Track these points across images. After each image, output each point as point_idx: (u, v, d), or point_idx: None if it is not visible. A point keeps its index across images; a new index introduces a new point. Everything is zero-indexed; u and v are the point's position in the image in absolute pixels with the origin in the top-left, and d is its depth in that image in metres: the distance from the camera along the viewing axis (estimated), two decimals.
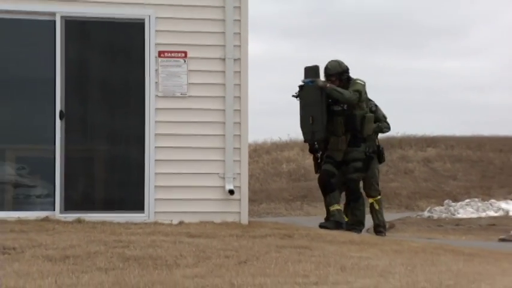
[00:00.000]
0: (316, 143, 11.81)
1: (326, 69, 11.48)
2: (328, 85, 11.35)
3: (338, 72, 11.47)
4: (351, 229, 11.29)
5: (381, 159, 12.11)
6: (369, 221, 12.26)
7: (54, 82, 10.53)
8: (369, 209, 12.18)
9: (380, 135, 12.41)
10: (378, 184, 12.21)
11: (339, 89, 11.37)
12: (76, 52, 10.71)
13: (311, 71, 11.40)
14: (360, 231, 11.49)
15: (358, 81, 11.46)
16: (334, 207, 11.36)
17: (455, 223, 21.65)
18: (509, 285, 6.53)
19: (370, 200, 12.11)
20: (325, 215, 11.75)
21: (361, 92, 11.37)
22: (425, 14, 61.37)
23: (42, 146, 10.72)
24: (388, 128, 12.23)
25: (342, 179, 11.49)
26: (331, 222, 11.26)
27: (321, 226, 11.26)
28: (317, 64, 11.58)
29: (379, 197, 12.06)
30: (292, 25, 56.38)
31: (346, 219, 11.62)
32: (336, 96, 11.33)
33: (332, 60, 11.56)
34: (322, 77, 11.55)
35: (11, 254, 7.52)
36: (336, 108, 11.41)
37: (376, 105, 12.12)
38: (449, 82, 56.57)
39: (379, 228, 12.15)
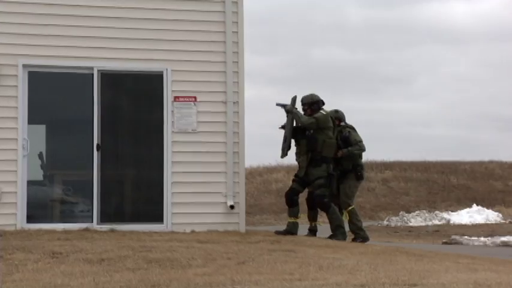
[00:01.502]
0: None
1: (301, 99, 11.29)
2: (293, 110, 11.12)
3: (309, 103, 11.17)
4: (333, 236, 10.86)
5: (358, 177, 11.38)
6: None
7: (92, 121, 10.49)
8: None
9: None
10: (349, 198, 11.30)
11: (300, 114, 11.03)
12: (109, 98, 10.68)
13: (292, 100, 11.19)
14: (341, 234, 10.90)
15: (321, 112, 11.01)
16: (291, 219, 11.12)
17: (408, 230, 21.58)
18: (451, 280, 6.49)
19: (344, 212, 11.32)
20: (305, 225, 11.45)
21: (318, 119, 10.88)
22: (381, 65, 61.67)
23: (83, 171, 10.66)
24: (360, 150, 11.35)
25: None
26: (284, 231, 10.99)
27: (276, 232, 11.02)
28: (296, 95, 11.31)
29: (349, 208, 11.46)
30: (276, 74, 56.65)
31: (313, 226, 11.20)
32: (296, 119, 11.08)
33: (308, 94, 11.34)
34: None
35: (58, 258, 7.47)
36: (306, 132, 11.14)
37: (350, 131, 11.36)
38: (401, 118, 56.80)
39: (355, 233, 11.49)
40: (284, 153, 11.25)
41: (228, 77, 10.83)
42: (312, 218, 11.36)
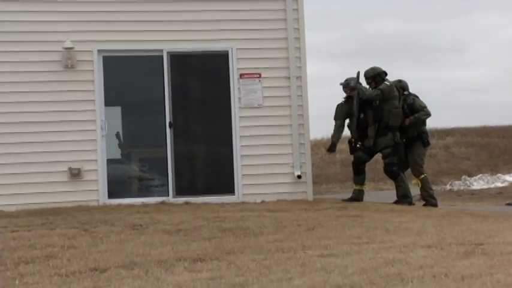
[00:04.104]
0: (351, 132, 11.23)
1: (364, 73, 11.15)
2: (358, 86, 10.97)
3: (372, 76, 11.02)
4: (398, 202, 10.71)
5: (424, 143, 11.12)
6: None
7: (163, 101, 10.59)
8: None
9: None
10: (420, 166, 11.08)
11: (364, 88, 10.90)
12: (178, 78, 10.75)
13: (356, 76, 11.05)
14: (407, 202, 10.70)
15: (385, 83, 10.85)
16: (356, 187, 11.06)
17: (471, 193, 21.20)
18: None
19: (414, 180, 11.14)
20: (368, 192, 11.27)
21: (383, 91, 10.73)
22: (436, 34, 60.25)
23: (157, 148, 10.78)
24: (426, 115, 11.07)
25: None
26: (350, 198, 10.90)
27: (343, 200, 10.91)
28: (359, 70, 11.17)
29: (422, 176, 11.05)
30: (333, 49, 55.96)
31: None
32: (362, 94, 10.95)
33: (370, 67, 11.18)
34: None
35: (139, 230, 7.60)
36: (373, 103, 10.99)
37: (414, 98, 11.11)
38: (459, 86, 55.41)
39: (426, 199, 11.08)
40: (355, 128, 11.02)
41: (291, 53, 10.77)
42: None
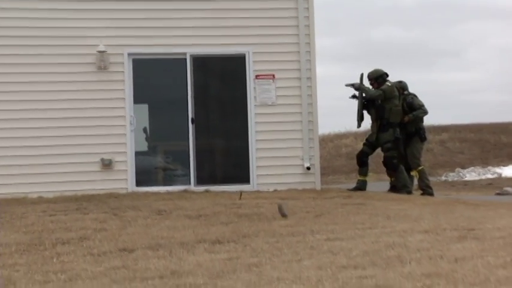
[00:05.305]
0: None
1: (367, 75, 11.12)
2: (361, 86, 10.93)
3: (374, 77, 10.99)
4: (398, 192, 10.63)
5: (422, 139, 11.07)
6: None
7: (186, 99, 10.60)
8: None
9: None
10: (417, 159, 11.04)
11: (368, 88, 10.89)
12: (200, 78, 10.75)
13: (360, 77, 11.04)
14: (406, 192, 10.65)
15: (386, 84, 10.84)
16: (360, 178, 11.02)
17: (464, 184, 21.08)
18: (506, 224, 6.31)
19: (413, 172, 11.06)
20: (370, 183, 11.22)
21: (385, 91, 10.71)
22: (434, 41, 59.93)
23: (180, 142, 10.78)
24: (423, 113, 11.04)
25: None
26: (354, 188, 10.84)
27: (348, 189, 10.88)
28: (362, 72, 11.16)
29: (419, 168, 11.02)
30: (340, 54, 55.78)
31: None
32: (365, 94, 10.93)
33: (373, 69, 11.14)
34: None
35: (163, 215, 7.61)
36: (375, 102, 10.97)
37: (413, 97, 11.08)
38: (455, 88, 55.13)
39: (423, 189, 11.03)
40: (359, 124, 11.18)
41: (302, 56, 10.73)
42: (390, 175, 11.09)
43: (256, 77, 10.70)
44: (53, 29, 10.35)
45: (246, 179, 10.60)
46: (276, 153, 10.63)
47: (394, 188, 10.98)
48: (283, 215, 6.51)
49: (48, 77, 10.28)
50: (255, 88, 10.68)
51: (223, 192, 9.99)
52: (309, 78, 10.75)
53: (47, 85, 10.26)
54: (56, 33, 10.33)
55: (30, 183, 9.98)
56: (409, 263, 4.64)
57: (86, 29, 10.39)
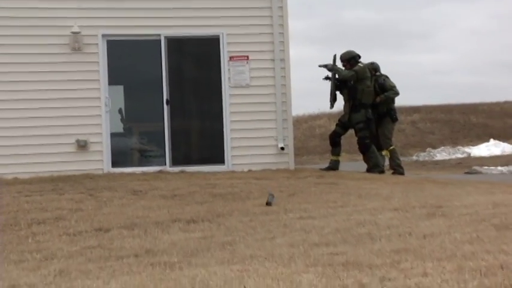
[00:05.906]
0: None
1: (340, 56, 11.13)
2: (334, 67, 10.93)
3: (347, 58, 11.01)
4: (370, 171, 10.74)
5: (393, 119, 11.15)
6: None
7: (161, 80, 10.55)
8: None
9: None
10: (388, 139, 11.10)
11: (340, 69, 10.93)
12: (175, 59, 10.69)
13: (333, 58, 11.06)
14: (379, 172, 10.71)
15: (359, 65, 10.86)
16: (333, 158, 11.09)
17: (434, 163, 21.30)
18: (473, 201, 6.41)
19: (384, 152, 11.10)
20: (343, 163, 11.25)
21: (357, 72, 10.73)
22: (405, 23, 60.21)
23: (155, 123, 10.74)
24: (395, 94, 11.09)
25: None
26: (327, 167, 10.92)
27: (321, 169, 10.93)
28: (335, 53, 11.17)
29: (390, 148, 11.07)
30: (313, 35, 55.77)
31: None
32: (338, 75, 10.96)
33: (345, 51, 11.16)
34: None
35: (139, 195, 7.61)
36: (348, 83, 11.00)
37: (385, 78, 11.10)
38: (425, 69, 55.49)
39: (394, 168, 11.09)
40: (332, 105, 11.22)
41: (275, 38, 10.72)
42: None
43: (231, 58, 10.67)
44: (27, 9, 10.20)
45: (221, 160, 10.61)
46: (251, 134, 10.64)
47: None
48: (268, 204, 6.54)
49: (21, 58, 10.14)
50: (229, 70, 10.66)
51: (199, 172, 9.99)
52: (282, 60, 10.75)
53: (20, 66, 10.14)
54: (29, 13, 10.19)
55: (5, 164, 9.89)
56: (379, 239, 4.71)
57: (59, 10, 10.26)
